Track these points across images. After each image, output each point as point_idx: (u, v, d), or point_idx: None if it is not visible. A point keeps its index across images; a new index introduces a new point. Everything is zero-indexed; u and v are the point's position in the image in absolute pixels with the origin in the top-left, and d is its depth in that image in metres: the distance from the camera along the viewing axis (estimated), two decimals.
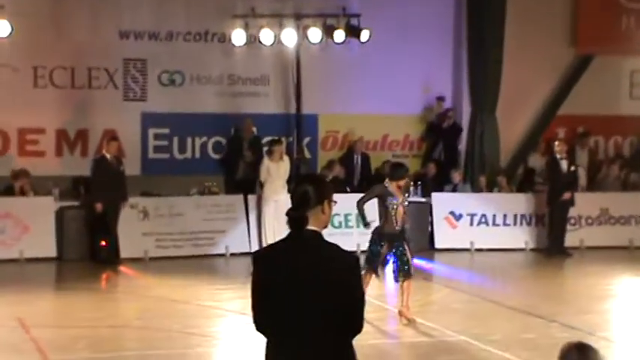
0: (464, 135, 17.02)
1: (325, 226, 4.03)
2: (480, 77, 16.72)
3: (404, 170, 9.97)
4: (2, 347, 8.84)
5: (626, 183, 16.93)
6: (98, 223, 13.72)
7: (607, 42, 17.21)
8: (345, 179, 15.72)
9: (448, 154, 16.80)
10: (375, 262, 9.73)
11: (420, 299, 10.23)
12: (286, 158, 14.39)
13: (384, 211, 9.65)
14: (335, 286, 3.87)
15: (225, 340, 9.35)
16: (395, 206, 9.60)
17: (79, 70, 15.38)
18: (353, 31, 15.03)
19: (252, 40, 15.07)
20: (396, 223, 9.62)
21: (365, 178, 16.14)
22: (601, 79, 17.42)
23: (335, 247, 3.98)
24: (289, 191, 4.08)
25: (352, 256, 4.00)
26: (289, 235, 3.99)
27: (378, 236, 9.73)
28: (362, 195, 10.06)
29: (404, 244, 9.71)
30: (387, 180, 9.83)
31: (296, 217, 3.94)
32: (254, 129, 15.71)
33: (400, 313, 9.84)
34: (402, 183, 9.73)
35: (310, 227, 3.96)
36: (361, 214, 9.91)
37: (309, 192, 3.95)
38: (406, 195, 9.92)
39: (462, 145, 17.08)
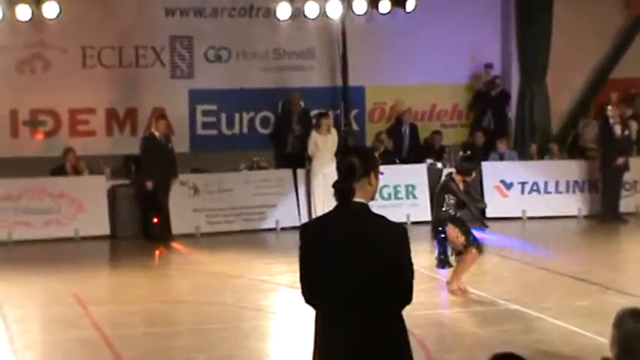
0: (513, 102, 16.77)
1: (372, 198, 4.01)
2: (528, 43, 16.41)
3: (473, 166, 9.90)
4: (60, 323, 9.03)
5: None
6: (149, 200, 13.87)
7: None
8: (393, 151, 15.63)
9: (497, 122, 16.58)
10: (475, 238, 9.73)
11: (471, 268, 10.16)
12: (334, 131, 14.36)
13: (445, 199, 9.62)
14: (384, 257, 3.86)
15: (278, 314, 9.42)
16: (457, 197, 9.58)
17: (127, 49, 15.47)
18: (398, 1, 14.87)
19: (297, 14, 15.00)
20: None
21: (414, 149, 16.02)
22: None
23: (383, 219, 3.96)
24: None
25: (400, 226, 3.98)
26: (336, 207, 3.98)
27: (458, 220, 9.67)
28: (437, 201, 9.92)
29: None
30: (454, 172, 9.79)
31: (343, 189, 3.92)
32: (302, 102, 15.68)
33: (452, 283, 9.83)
34: (468, 179, 9.68)
35: (357, 199, 3.94)
36: (472, 204, 9.97)
37: (355, 164, 3.93)
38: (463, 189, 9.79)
39: (512, 113, 16.84)
